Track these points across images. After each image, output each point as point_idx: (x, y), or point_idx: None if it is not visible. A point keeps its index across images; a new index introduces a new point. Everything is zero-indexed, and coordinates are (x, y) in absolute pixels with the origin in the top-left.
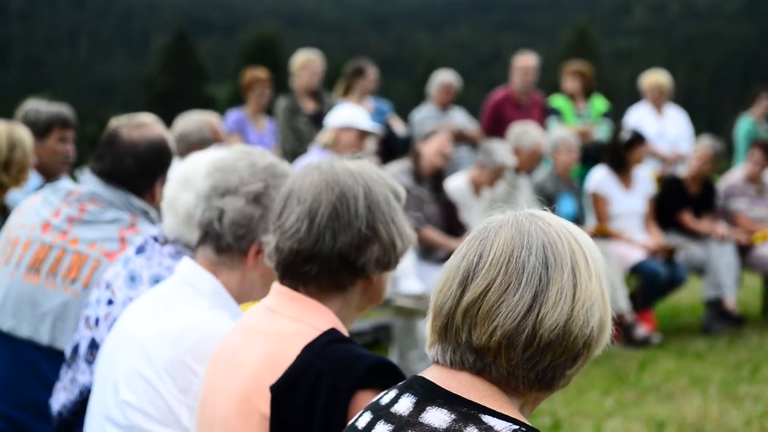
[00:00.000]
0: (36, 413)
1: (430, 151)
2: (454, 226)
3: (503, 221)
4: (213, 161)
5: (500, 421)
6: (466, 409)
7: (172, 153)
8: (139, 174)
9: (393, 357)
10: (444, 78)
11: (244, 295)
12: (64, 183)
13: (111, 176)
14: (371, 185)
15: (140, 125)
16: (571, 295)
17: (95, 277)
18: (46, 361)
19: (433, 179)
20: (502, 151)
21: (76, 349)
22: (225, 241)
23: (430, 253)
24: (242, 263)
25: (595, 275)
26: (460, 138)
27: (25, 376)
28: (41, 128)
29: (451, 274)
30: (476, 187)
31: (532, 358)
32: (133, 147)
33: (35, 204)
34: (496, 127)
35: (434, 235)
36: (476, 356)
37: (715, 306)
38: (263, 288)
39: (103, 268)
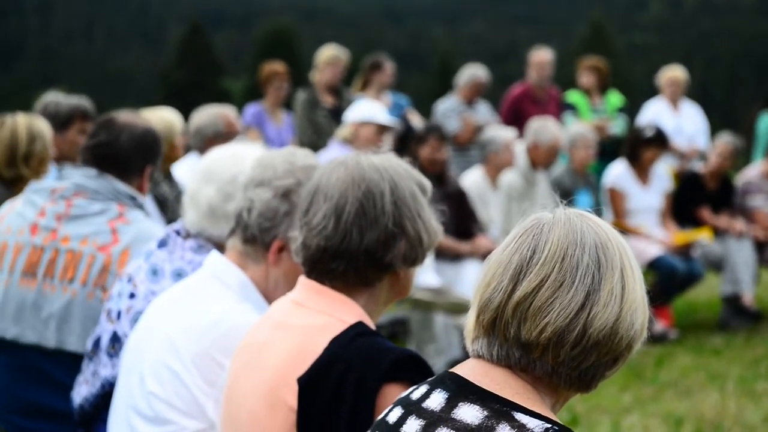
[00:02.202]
0: (49, 418)
1: (424, 158)
2: (463, 217)
3: (555, 218)
4: (259, 157)
5: (533, 419)
6: (498, 406)
7: (162, 149)
8: (132, 153)
9: None
10: (475, 74)
11: (268, 293)
12: (46, 182)
13: (103, 156)
14: (397, 180)
15: (136, 114)
16: (620, 297)
17: (92, 273)
18: (56, 365)
19: (435, 176)
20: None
21: (97, 343)
22: (251, 232)
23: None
24: (266, 258)
25: (639, 278)
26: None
27: (34, 383)
28: (62, 120)
29: (500, 269)
30: (493, 178)
31: (579, 356)
32: (129, 127)
33: (17, 207)
34: (514, 122)
35: (443, 239)
36: (523, 352)
37: (733, 302)
38: (288, 288)
39: (98, 263)
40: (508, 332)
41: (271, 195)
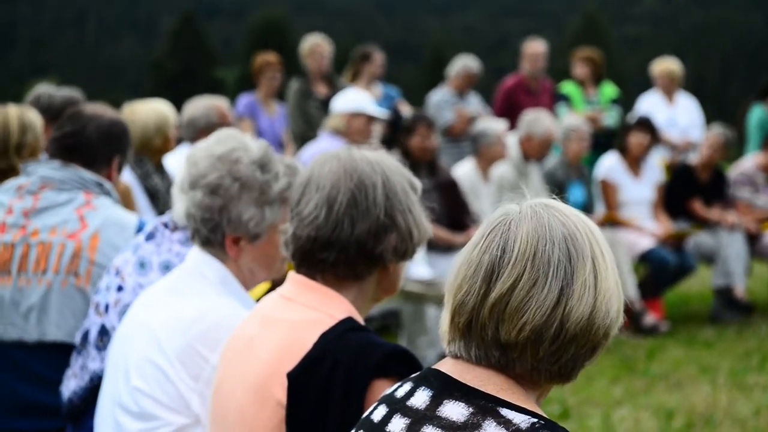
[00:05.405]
0: (35, 414)
1: (414, 147)
2: (455, 207)
3: (522, 213)
4: (187, 155)
5: (519, 414)
6: (483, 402)
7: (130, 140)
8: (98, 143)
9: (402, 343)
10: (467, 65)
11: (248, 282)
12: (11, 181)
13: (69, 147)
14: (389, 174)
15: (103, 106)
16: (593, 287)
17: (64, 261)
18: (37, 359)
19: (427, 165)
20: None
21: (86, 336)
22: (203, 235)
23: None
24: (228, 254)
25: (611, 264)
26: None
27: (17, 380)
28: (55, 112)
29: (471, 270)
30: (484, 170)
31: (558, 351)
32: (95, 118)
33: None
34: (507, 114)
35: (437, 230)
36: (502, 352)
37: (725, 294)
38: (265, 270)
39: (69, 251)
40: (486, 334)
41: (201, 195)
